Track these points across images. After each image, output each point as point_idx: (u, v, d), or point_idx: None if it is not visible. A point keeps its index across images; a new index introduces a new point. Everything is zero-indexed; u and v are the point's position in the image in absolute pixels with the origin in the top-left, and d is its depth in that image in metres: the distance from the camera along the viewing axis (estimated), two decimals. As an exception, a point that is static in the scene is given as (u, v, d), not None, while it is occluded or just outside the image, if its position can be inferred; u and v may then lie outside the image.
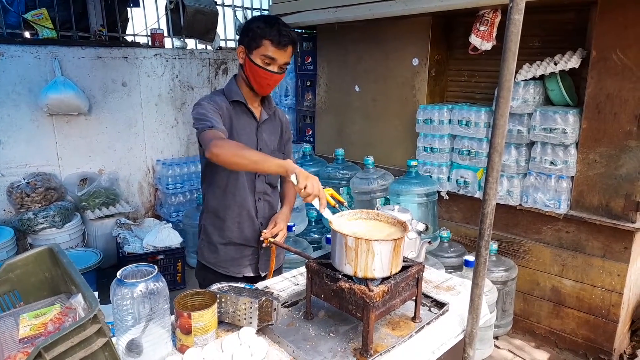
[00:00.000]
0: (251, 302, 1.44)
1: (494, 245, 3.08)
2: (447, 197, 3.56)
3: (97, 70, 4.23)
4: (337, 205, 1.72)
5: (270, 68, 1.83)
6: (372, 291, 1.33)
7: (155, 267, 1.29)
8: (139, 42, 4.68)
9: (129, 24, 4.90)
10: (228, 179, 1.94)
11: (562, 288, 3.15)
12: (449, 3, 3.07)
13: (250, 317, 1.45)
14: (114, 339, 1.18)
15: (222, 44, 5.29)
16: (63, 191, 4.08)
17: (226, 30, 5.43)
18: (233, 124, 1.90)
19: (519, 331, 3.40)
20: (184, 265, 4.01)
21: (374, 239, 1.37)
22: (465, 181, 3.41)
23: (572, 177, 2.96)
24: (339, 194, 2.67)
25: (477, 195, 3.37)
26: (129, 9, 4.87)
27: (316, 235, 3.93)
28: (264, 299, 1.45)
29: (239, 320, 1.47)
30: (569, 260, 3.09)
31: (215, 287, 1.56)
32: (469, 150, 3.35)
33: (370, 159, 3.62)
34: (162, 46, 4.68)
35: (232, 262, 2.03)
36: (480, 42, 3.12)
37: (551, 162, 2.96)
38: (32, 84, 3.89)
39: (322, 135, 4.58)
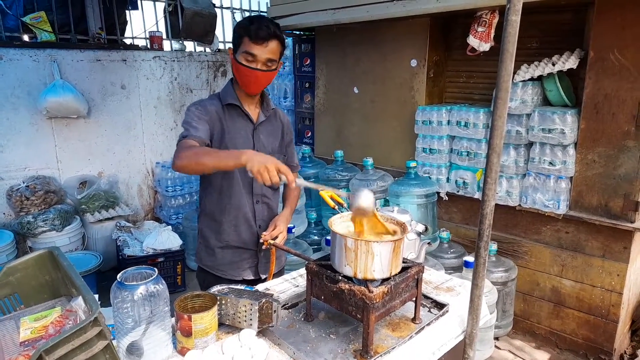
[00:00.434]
0: (251, 304, 1.44)
1: (494, 246, 3.08)
2: (447, 198, 3.56)
3: (96, 73, 4.24)
4: (336, 207, 1.73)
5: (252, 65, 1.79)
6: (372, 292, 1.33)
7: (155, 269, 1.30)
8: (137, 45, 4.68)
9: (128, 27, 4.90)
10: (223, 181, 1.92)
11: (562, 288, 3.16)
12: (446, 4, 3.08)
13: (251, 319, 1.45)
14: (114, 342, 1.18)
15: (221, 46, 5.28)
16: (62, 194, 4.08)
17: (225, 33, 5.43)
18: (227, 127, 1.88)
19: (519, 332, 3.40)
20: (184, 267, 4.01)
21: (374, 240, 1.38)
22: (464, 182, 3.42)
23: (571, 177, 2.96)
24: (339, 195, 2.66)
25: (476, 196, 3.38)
26: (127, 12, 4.86)
27: (316, 237, 3.93)
28: (264, 300, 1.45)
29: (239, 322, 1.47)
30: (568, 261, 3.09)
31: (215, 289, 1.56)
32: (467, 151, 3.35)
33: (370, 161, 3.62)
34: (160, 49, 4.68)
35: (230, 265, 2.01)
36: (478, 43, 3.13)
37: (550, 163, 2.96)
38: (31, 87, 3.89)
39: (321, 137, 4.58)
